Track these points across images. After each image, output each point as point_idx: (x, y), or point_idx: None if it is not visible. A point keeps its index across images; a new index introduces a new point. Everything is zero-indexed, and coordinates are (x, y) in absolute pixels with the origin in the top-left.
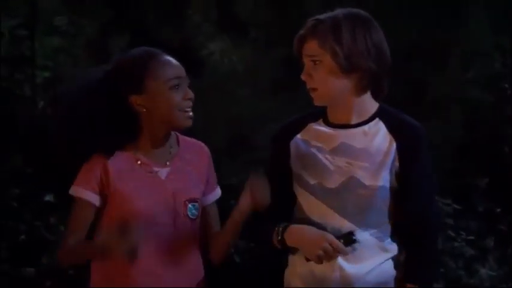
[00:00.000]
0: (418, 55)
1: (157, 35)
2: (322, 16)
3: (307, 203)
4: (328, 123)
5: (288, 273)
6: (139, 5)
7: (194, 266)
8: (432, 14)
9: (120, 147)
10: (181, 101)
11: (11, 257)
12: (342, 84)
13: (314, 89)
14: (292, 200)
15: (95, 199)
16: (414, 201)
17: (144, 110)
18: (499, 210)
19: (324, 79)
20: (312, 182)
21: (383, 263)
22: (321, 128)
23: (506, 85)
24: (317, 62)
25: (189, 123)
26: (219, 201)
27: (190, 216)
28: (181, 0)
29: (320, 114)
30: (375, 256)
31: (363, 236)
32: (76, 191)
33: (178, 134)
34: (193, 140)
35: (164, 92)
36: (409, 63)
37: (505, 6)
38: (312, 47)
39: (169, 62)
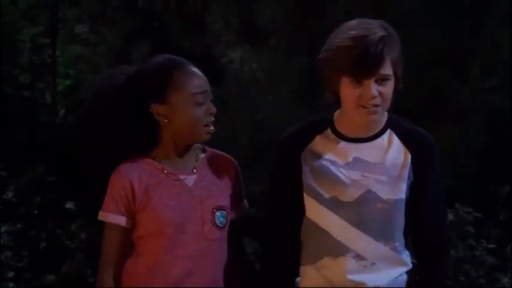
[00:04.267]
0: (440, 64)
1: (179, 43)
2: (381, 28)
3: (323, 216)
4: (338, 136)
5: (301, 284)
6: (160, 14)
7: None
8: (454, 23)
9: (140, 154)
10: (204, 117)
11: (32, 264)
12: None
13: (376, 105)
14: (301, 211)
15: (123, 221)
16: (432, 212)
17: (166, 120)
18: None
19: (389, 95)
20: (327, 195)
21: (399, 276)
22: (332, 140)
23: None
24: (386, 80)
25: (207, 137)
26: None
27: (218, 224)
28: (202, 8)
29: (325, 124)
30: (392, 269)
31: (382, 249)
32: (104, 216)
33: (204, 145)
34: (223, 153)
35: (187, 106)
36: (431, 71)
37: None
38: (387, 66)
39: (195, 74)
